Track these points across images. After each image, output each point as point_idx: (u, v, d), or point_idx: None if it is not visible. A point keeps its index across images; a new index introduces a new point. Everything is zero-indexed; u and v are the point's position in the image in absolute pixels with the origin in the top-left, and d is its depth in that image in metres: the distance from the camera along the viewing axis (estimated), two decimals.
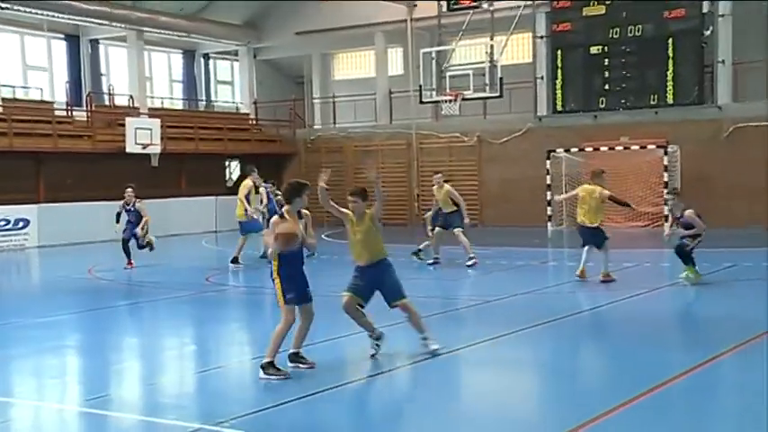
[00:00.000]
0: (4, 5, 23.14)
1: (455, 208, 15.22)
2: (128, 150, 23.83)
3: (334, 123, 29.65)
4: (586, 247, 12.74)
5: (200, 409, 6.89)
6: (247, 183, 16.37)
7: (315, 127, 30.44)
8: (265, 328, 10.22)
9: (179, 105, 31.00)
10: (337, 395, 7.01)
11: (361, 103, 28.95)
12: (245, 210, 15.97)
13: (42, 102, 25.48)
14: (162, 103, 29.99)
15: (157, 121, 24.98)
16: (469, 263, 14.93)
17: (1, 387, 7.86)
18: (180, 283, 13.80)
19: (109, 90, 27.54)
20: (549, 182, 23.82)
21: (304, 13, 29.07)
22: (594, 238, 12.65)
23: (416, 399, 7.17)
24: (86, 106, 25.58)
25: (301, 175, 28.99)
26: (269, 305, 12.30)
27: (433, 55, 24.30)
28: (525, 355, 8.64)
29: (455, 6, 24.44)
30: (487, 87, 22.68)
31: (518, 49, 26.35)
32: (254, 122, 30.77)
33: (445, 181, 15.59)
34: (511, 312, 10.98)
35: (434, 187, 15.47)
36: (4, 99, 23.62)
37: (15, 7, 23.52)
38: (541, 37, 24.68)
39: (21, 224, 21.34)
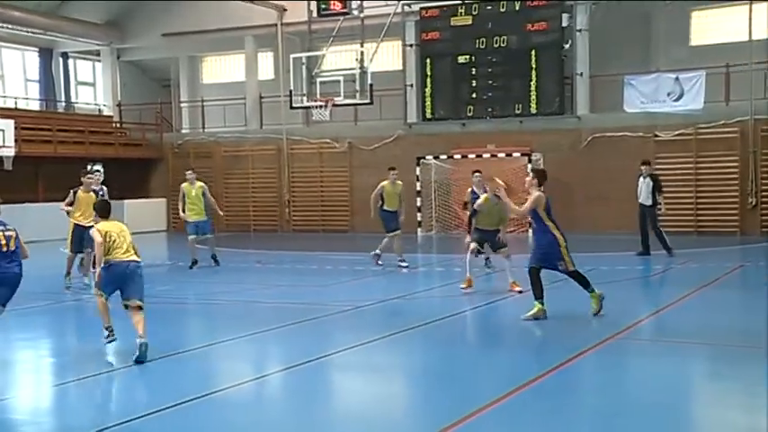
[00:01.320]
0: None
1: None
2: None
3: (203, 128, 29.02)
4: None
5: (58, 423, 6.52)
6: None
7: (183, 131, 29.68)
8: (129, 339, 9.82)
9: (35, 106, 29.46)
10: (204, 404, 6.79)
11: (231, 107, 28.48)
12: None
13: None
14: (16, 103, 28.40)
15: (11, 122, 23.60)
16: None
17: None
18: (37, 293, 13.05)
19: None
20: (419, 188, 24.20)
21: (171, 14, 28.30)
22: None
23: (286, 405, 7.05)
24: None
25: (168, 180, 28.25)
26: (149, 314, 11.80)
27: (304, 60, 24.21)
28: (393, 361, 8.68)
29: (325, 12, 24.44)
30: (358, 94, 22.81)
31: (388, 56, 26.65)
32: (119, 125, 29.66)
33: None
34: (381, 318, 11.04)
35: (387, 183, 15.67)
36: None
37: None
38: (411, 45, 25.06)
39: None
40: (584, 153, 23.17)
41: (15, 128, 23.55)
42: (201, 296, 13.24)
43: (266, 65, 29.09)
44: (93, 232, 8.71)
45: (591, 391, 7.37)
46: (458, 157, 23.67)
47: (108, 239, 8.55)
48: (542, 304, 10.11)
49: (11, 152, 23.24)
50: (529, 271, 10.28)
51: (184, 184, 16.56)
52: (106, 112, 30.37)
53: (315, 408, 6.85)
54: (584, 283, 10.28)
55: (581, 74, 23.36)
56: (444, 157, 24.02)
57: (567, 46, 23.17)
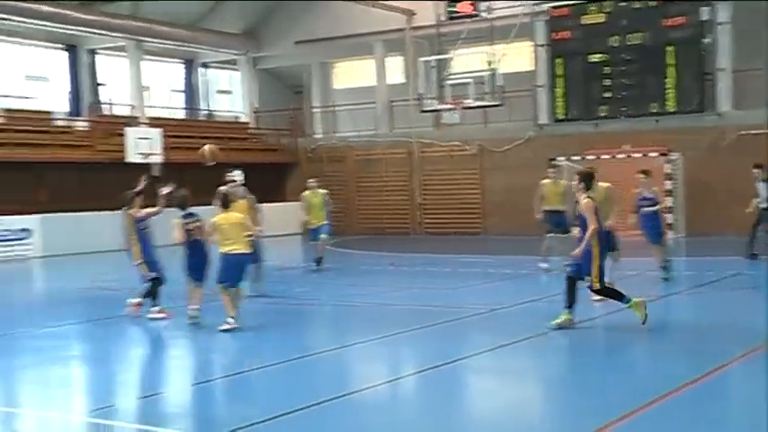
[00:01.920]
0: (3, 17, 23.17)
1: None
2: (128, 160, 23.81)
3: (335, 132, 29.66)
4: None
5: (203, 418, 6.86)
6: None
7: (315, 136, 30.45)
8: (276, 339, 10.22)
9: (179, 115, 31.00)
10: (340, 406, 6.95)
11: (362, 112, 28.96)
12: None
13: (42, 112, 25.49)
14: (161, 112, 29.99)
15: (158, 131, 24.99)
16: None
17: (6, 397, 7.83)
18: (183, 293, 13.73)
19: (108, 100, 27.53)
20: None
21: (303, 23, 29.11)
22: None
23: (420, 408, 7.12)
24: (86, 116, 25.60)
25: (303, 184, 28.94)
26: (287, 315, 12.26)
27: (433, 63, 24.33)
28: (529, 365, 8.60)
29: (454, 15, 24.47)
30: (488, 96, 22.69)
31: (518, 57, 26.39)
32: (255, 132, 30.77)
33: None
34: (515, 321, 10.96)
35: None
36: (5, 110, 23.59)
37: (15, 18, 23.54)
38: (541, 45, 24.71)
39: (23, 234, 21.29)
40: (727, 151, 22.12)
41: (162, 136, 24.92)
42: (336, 298, 13.55)
43: (396, 69, 29.43)
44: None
45: (738, 401, 7.07)
46: (591, 158, 23.12)
47: (219, 232, 10.21)
48: (570, 314, 9.67)
49: (159, 159, 24.60)
50: (566, 278, 9.88)
51: (306, 193, 16.88)
52: (243, 118, 31.58)
53: (449, 411, 6.89)
54: (618, 296, 9.56)
55: (723, 69, 22.33)
56: (577, 158, 23.52)
57: (706, 41, 22.23)
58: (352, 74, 31.87)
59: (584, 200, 9.52)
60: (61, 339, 10.43)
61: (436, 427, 6.49)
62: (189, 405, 7.46)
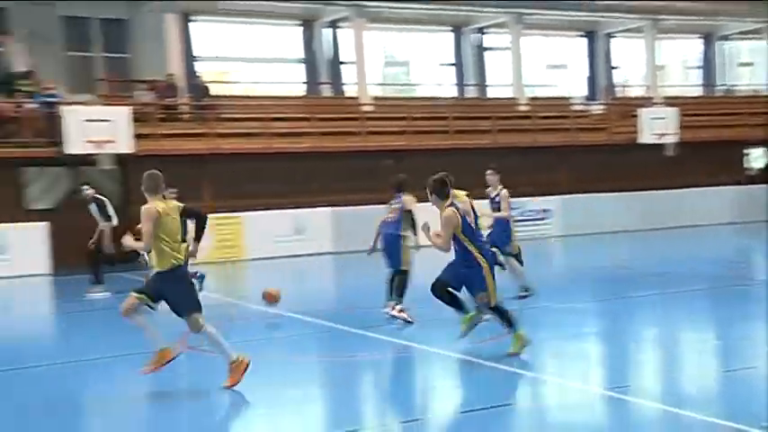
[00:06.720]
0: (529, 12, 25.08)
1: None
2: (641, 141, 23.95)
3: None
4: None
5: (729, 408, 6.68)
6: None
7: None
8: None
9: (695, 92, 30.02)
10: None
11: None
12: None
13: (561, 98, 26.95)
14: (677, 91, 29.36)
15: (673, 110, 24.59)
16: None
17: (535, 366, 8.56)
18: (698, 276, 13.41)
19: (623, 82, 27.92)
20: None
21: None
22: None
23: None
24: (601, 100, 26.37)
25: None
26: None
27: None
28: None
29: None
30: None
31: None
32: None
33: None
34: None
35: None
36: (529, 98, 25.57)
37: (539, 12, 25.31)
38: None
39: (544, 214, 22.94)
40: None
41: (678, 115, 24.45)
42: None
43: None
44: None
45: None
46: None
47: None
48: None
49: (674, 139, 24.28)
50: None
51: None
52: (764, 92, 29.24)
53: None
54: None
55: None
56: None
57: None
58: None
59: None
60: (581, 315, 11.00)
61: None
62: (710, 391, 7.33)
